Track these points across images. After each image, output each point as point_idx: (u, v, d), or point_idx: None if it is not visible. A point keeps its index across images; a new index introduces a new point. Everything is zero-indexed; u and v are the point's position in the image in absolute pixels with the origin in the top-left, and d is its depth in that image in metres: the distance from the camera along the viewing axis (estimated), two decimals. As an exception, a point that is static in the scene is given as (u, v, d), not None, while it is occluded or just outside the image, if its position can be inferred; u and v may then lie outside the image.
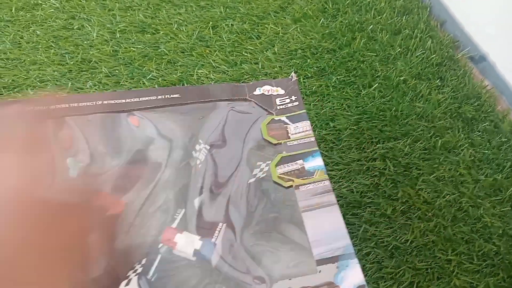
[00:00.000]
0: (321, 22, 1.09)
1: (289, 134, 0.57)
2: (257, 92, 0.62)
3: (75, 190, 0.41)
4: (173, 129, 0.56)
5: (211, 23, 1.05)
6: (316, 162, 0.54)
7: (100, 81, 0.91)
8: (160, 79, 0.92)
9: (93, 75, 0.92)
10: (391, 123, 0.90)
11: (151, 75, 0.93)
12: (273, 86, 0.62)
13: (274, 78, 0.95)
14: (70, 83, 0.90)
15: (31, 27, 1.00)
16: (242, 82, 0.62)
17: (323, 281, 0.45)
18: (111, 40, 0.99)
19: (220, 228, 0.48)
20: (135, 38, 1.00)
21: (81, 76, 0.92)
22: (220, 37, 1.02)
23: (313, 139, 0.56)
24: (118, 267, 0.45)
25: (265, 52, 1.00)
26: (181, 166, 0.53)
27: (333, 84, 0.96)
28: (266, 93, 0.62)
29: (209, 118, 0.58)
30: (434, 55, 1.05)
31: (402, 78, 0.99)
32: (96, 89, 0.89)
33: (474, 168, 0.85)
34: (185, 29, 1.03)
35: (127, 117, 0.57)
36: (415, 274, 0.70)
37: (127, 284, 0.44)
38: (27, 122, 0.42)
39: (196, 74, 0.94)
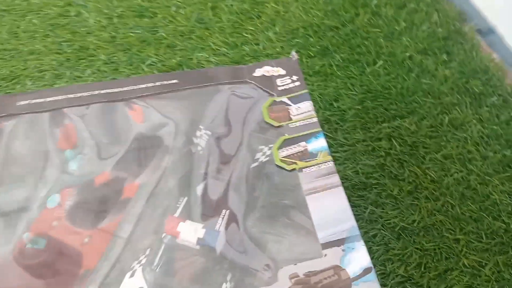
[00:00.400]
0: (322, -2, 1.06)
1: (291, 116, 0.56)
2: (257, 73, 0.60)
3: None
4: (173, 116, 0.55)
5: (210, 4, 1.02)
6: (319, 143, 0.53)
7: (98, 69, 0.89)
8: (159, 64, 0.91)
9: (92, 62, 0.91)
10: (396, 101, 0.88)
11: (150, 60, 0.91)
12: (273, 67, 0.61)
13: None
14: (68, 71, 0.89)
15: (27, 16, 0.99)
16: (243, 64, 0.61)
17: (329, 264, 0.45)
18: (109, 26, 0.97)
19: (224, 215, 0.48)
20: (133, 23, 0.98)
21: (80, 64, 0.90)
22: (219, 18, 1.00)
23: (315, 119, 0.55)
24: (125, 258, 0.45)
25: (266, 32, 0.98)
26: (182, 153, 0.52)
27: (336, 63, 0.94)
28: (266, 74, 0.60)
29: (209, 103, 0.57)
30: (440, 29, 1.02)
31: (407, 54, 0.96)
32: (95, 77, 0.88)
33: (482, 144, 0.83)
34: (183, 11, 1.01)
35: (125, 107, 0.56)
36: (423, 255, 0.69)
37: (131, 276, 0.43)
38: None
39: (196, 58, 0.93)
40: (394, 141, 0.82)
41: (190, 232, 0.46)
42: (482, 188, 0.77)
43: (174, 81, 0.59)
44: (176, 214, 0.48)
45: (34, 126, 0.53)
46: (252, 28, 0.99)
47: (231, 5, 1.03)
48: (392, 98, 0.88)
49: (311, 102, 0.57)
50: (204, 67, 0.92)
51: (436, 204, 0.75)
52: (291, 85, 0.59)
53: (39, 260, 0.44)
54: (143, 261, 0.44)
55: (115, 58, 0.92)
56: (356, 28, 1.01)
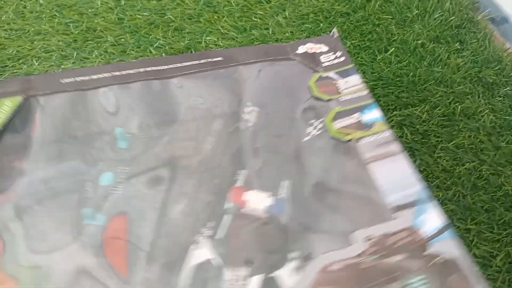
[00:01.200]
0: (334, -16, 1.04)
1: (340, 90, 0.55)
2: (300, 50, 0.60)
3: None
4: (218, 94, 0.54)
5: (219, -13, 1.00)
6: (374, 114, 0.53)
7: (106, 51, 0.88)
8: (167, 47, 0.89)
9: (99, 44, 0.89)
10: (408, 89, 0.86)
11: (158, 43, 0.90)
12: (315, 44, 0.60)
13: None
14: (75, 52, 0.87)
15: (33, -4, 0.97)
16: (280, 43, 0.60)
17: (401, 227, 0.44)
18: (116, 8, 0.96)
19: (285, 185, 0.47)
20: (140, 5, 0.97)
21: (87, 45, 0.89)
22: (228, 1, 0.98)
23: (366, 92, 0.55)
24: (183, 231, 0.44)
25: (275, 17, 0.96)
26: (231, 130, 0.51)
27: (347, 50, 0.92)
28: (309, 51, 0.60)
29: (255, 80, 0.56)
30: (453, 17, 1.00)
31: (419, 41, 0.94)
32: (102, 59, 0.86)
33: (494, 134, 0.81)
34: (192, -6, 0.99)
35: (171, 84, 0.55)
36: (433, 244, 0.68)
37: (197, 248, 0.43)
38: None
39: (204, 42, 0.91)
40: (405, 129, 0.81)
41: (257, 201, 0.46)
42: (494, 178, 0.76)
43: (220, 58, 0.58)
44: (238, 185, 0.47)
45: (80, 103, 0.52)
46: (261, 13, 0.97)
47: (241, -12, 1.01)
48: (403, 86, 0.87)
49: (359, 75, 0.56)
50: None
51: (447, 193, 0.73)
52: (336, 61, 0.59)
53: (98, 237, 0.43)
54: (208, 233, 0.44)
55: (123, 40, 0.90)
56: (367, 14, 0.99)
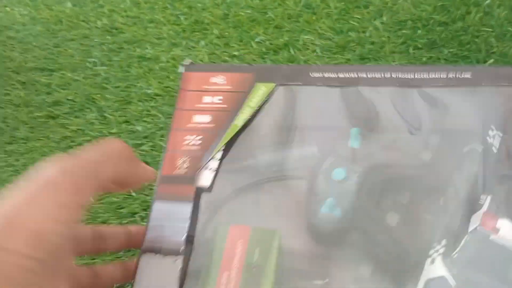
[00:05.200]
0: (433, -6, 1.05)
1: None
2: None
3: None
4: (465, 113, 0.52)
5: (318, -9, 1.05)
6: None
7: (211, 42, 0.95)
8: (267, 42, 0.94)
9: (205, 35, 0.96)
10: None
11: (258, 38, 0.95)
12: None
13: (381, 48, 0.94)
14: (184, 41, 0.95)
15: (148, -11, 1.06)
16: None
17: None
18: (222, 4, 1.02)
19: None
20: (244, 3, 1.03)
21: (194, 36, 0.96)
22: (327, 5, 1.02)
23: None
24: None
25: (373, 21, 0.99)
26: (474, 151, 0.49)
27: (444, 57, 0.92)
28: None
29: (505, 104, 0.52)
30: (559, 34, 0.97)
31: (521, 55, 0.93)
32: (207, 49, 0.93)
33: None
34: (292, -4, 1.04)
35: (418, 95, 0.54)
36: None
37: (432, 263, 0.42)
38: None
39: (302, 40, 0.95)
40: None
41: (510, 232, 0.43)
42: None
43: (467, 75, 0.55)
44: (483, 210, 0.45)
45: (325, 98, 0.55)
46: (359, 17, 1.00)
47: (339, -6, 1.04)
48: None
49: None
50: (309, 49, 0.94)
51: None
52: None
53: (332, 227, 0.45)
54: (441, 251, 0.43)
55: (227, 33, 0.96)
56: (467, 26, 0.99)
